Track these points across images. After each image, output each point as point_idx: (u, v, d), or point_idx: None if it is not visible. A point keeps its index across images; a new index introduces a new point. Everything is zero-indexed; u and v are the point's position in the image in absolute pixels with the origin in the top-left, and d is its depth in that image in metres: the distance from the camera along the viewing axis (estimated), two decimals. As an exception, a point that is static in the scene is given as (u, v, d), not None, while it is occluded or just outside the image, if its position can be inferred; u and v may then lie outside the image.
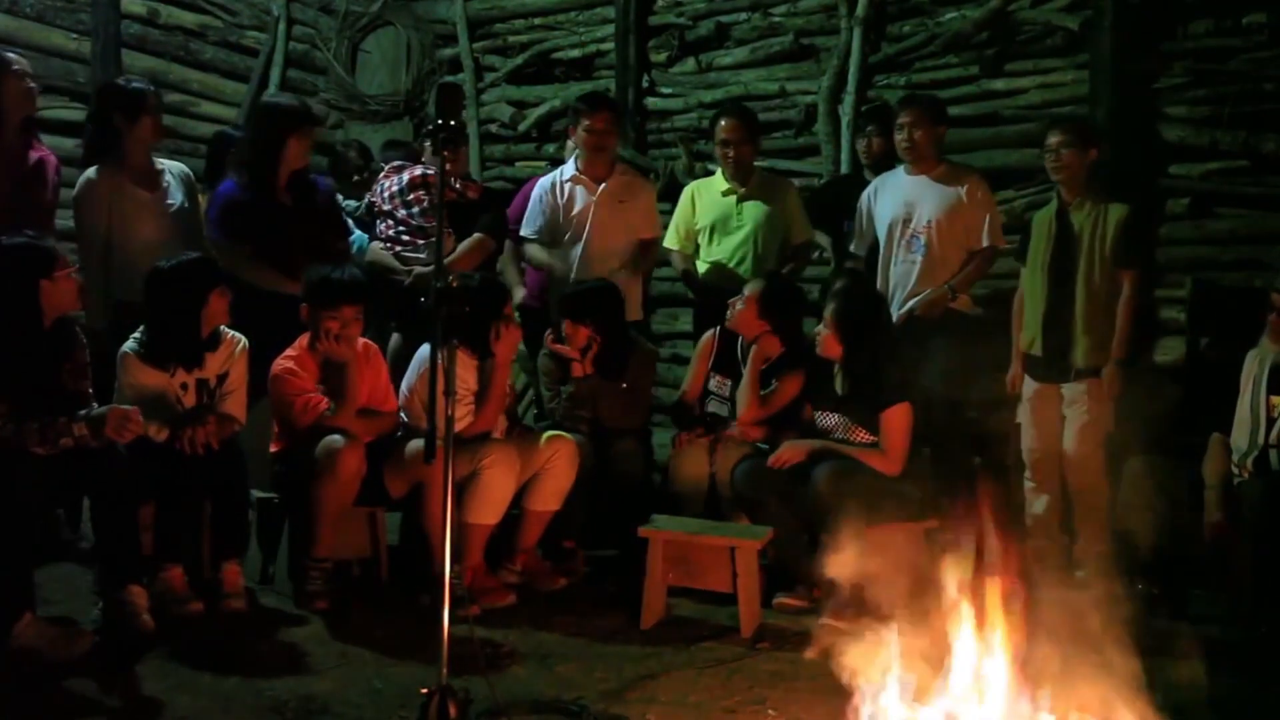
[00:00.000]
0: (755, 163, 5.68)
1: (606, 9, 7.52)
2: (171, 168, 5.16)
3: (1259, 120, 5.57)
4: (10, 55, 4.89)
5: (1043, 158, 4.96)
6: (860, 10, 6.61)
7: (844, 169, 6.57)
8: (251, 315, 4.49)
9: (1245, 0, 5.60)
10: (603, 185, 5.40)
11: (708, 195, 5.60)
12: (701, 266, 5.58)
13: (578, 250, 5.34)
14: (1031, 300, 4.96)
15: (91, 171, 4.92)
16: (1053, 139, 4.88)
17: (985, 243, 5.17)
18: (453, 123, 3.35)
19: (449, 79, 7.91)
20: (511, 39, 7.98)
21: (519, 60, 7.88)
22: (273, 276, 4.82)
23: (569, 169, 5.50)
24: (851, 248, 5.49)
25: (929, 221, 5.14)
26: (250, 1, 7.81)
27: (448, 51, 8.18)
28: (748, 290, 4.89)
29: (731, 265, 5.46)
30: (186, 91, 7.34)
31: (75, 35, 6.87)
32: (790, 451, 4.46)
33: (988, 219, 5.17)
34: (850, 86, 6.63)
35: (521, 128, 7.80)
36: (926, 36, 6.53)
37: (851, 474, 4.28)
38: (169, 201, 5.03)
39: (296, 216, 4.94)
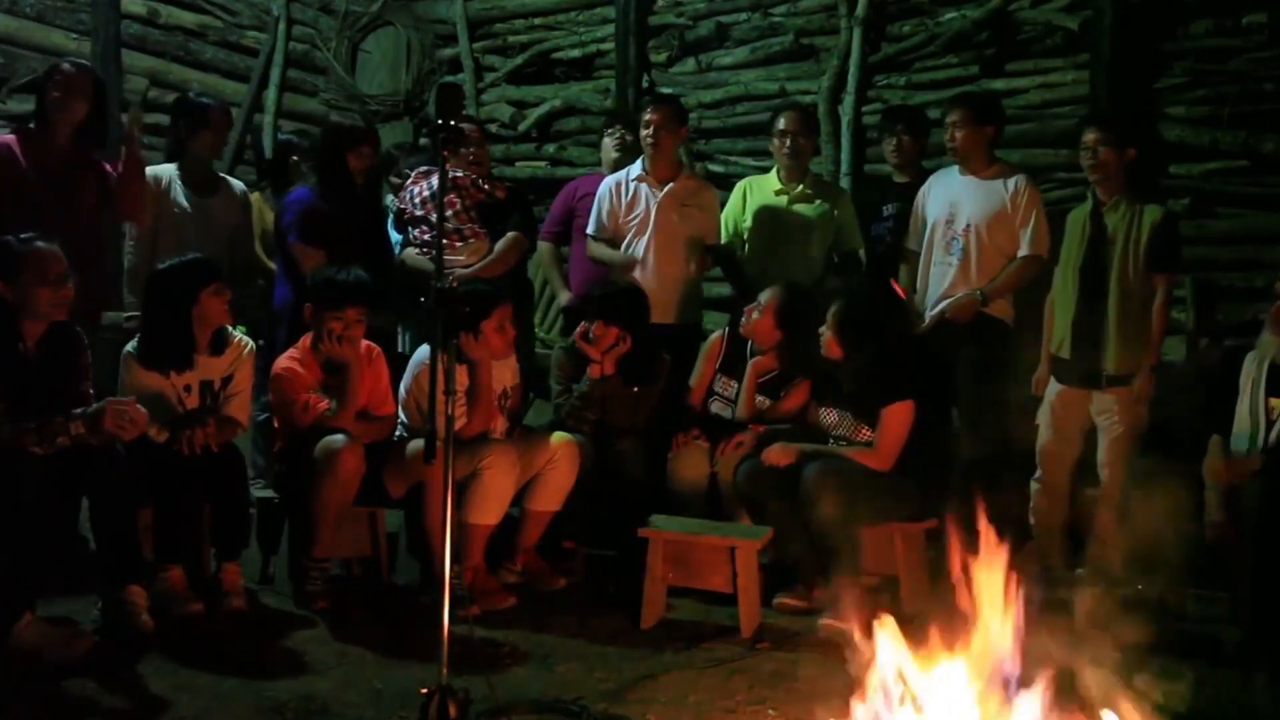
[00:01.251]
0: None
1: (606, 9, 7.52)
2: (233, 184, 5.34)
3: (1259, 120, 5.57)
4: (64, 65, 4.82)
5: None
6: (860, 10, 6.61)
7: (844, 169, 6.56)
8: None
9: (1245, 0, 5.61)
10: (668, 186, 5.33)
11: (759, 193, 5.48)
12: (748, 264, 5.47)
13: (640, 248, 5.29)
14: (1062, 302, 4.79)
15: (149, 169, 5.04)
16: (1089, 136, 4.69)
17: (1025, 250, 4.98)
18: (456, 123, 3.39)
19: (449, 79, 7.91)
20: (511, 39, 7.98)
21: (519, 60, 7.88)
22: None
23: (636, 168, 5.42)
24: (907, 243, 5.32)
25: (967, 225, 5.00)
26: (250, 1, 7.82)
27: (448, 51, 8.18)
28: (765, 298, 4.81)
29: (779, 266, 5.28)
30: (186, 92, 7.32)
31: (75, 35, 6.88)
32: (780, 453, 4.41)
33: (1031, 226, 4.97)
34: (850, 86, 6.63)
35: (521, 128, 7.80)
36: (926, 36, 6.53)
37: (841, 474, 4.25)
38: (222, 212, 5.18)
39: (362, 227, 5.07)
